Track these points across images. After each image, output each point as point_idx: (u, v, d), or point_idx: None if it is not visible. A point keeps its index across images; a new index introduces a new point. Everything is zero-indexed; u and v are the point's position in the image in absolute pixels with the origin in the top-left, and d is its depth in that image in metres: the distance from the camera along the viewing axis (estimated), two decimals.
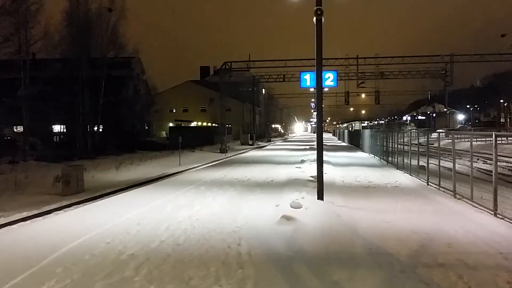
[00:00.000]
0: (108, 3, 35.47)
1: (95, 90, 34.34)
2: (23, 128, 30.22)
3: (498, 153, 11.77)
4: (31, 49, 30.11)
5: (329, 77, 14.67)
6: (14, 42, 27.82)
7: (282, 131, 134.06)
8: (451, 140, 15.39)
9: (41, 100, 30.67)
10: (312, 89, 14.28)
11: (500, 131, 55.87)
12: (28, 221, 11.47)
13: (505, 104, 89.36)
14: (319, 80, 13.09)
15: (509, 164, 23.68)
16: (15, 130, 34.58)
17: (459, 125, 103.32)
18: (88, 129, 34.75)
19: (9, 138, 32.08)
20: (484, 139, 35.20)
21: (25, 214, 12.16)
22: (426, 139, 19.53)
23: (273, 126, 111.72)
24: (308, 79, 14.61)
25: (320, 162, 13.12)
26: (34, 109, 29.31)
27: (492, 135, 11.41)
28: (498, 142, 11.73)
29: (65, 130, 37.45)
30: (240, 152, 43.89)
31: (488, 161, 22.41)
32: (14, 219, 11.47)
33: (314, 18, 12.70)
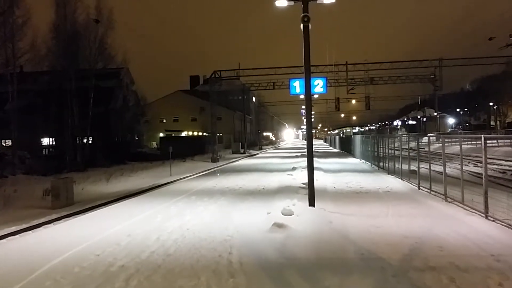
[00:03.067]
0: (95, 15, 35.43)
1: (84, 101, 34.16)
2: (12, 141, 29.99)
3: (490, 156, 11.80)
4: (19, 62, 29.98)
5: (318, 83, 14.70)
6: (1, 56, 27.70)
7: (274, 139, 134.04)
8: (441, 144, 15.44)
9: (29, 113, 30.52)
10: (302, 96, 14.27)
11: (490, 134, 56.23)
12: (17, 236, 11.31)
13: (495, 107, 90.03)
14: (307, 87, 13.11)
15: (500, 167, 23.80)
16: (3, 143, 34.30)
17: (449, 129, 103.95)
18: (78, 141, 34.54)
19: None
20: (475, 142, 35.36)
21: (14, 228, 11.99)
22: (416, 143, 19.56)
23: (264, 134, 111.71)
24: (297, 86, 14.62)
25: (310, 169, 13.12)
26: (23, 122, 29.10)
27: (481, 138, 11.42)
28: (489, 145, 11.76)
29: (54, 143, 37.19)
30: (231, 160, 43.80)
31: (479, 164, 22.47)
32: (2, 234, 11.31)
33: (301, 25, 12.75)
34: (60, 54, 33.34)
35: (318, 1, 13.13)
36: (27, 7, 29.05)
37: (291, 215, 11.34)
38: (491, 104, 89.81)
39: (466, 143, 29.25)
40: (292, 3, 13.17)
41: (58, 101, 33.02)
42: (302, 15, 12.68)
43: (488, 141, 11.50)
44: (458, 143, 13.92)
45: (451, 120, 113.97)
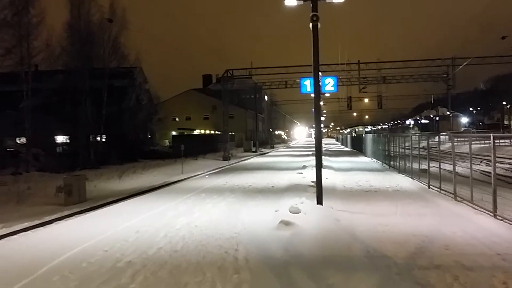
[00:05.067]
0: (109, 14, 35.68)
1: (97, 100, 34.43)
2: (26, 139, 30.34)
3: (503, 155, 11.73)
4: (33, 61, 30.25)
5: (329, 82, 14.75)
6: (16, 54, 27.98)
7: (286, 138, 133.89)
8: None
9: (44, 111, 30.81)
10: (312, 95, 14.29)
11: (504, 133, 55.68)
12: (29, 231, 11.48)
13: (508, 106, 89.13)
14: (316, 85, 13.15)
15: None
16: (18, 141, 34.73)
17: (463, 128, 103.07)
18: (91, 139, 34.83)
19: (12, 149, 32.22)
20: (487, 141, 35.06)
21: (26, 224, 12.17)
22: (427, 142, 19.49)
23: (276, 132, 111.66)
24: (308, 85, 14.65)
25: (319, 167, 13.15)
26: (37, 121, 29.41)
27: (490, 137, 11.37)
28: (502, 144, 11.71)
29: (68, 141, 37.54)
30: (243, 159, 43.91)
31: (490, 163, 22.29)
32: (15, 230, 11.49)
33: (310, 24, 12.78)
34: (74, 53, 33.62)
35: (327, 0, 13.15)
36: (42, 6, 29.41)
37: (298, 213, 11.38)
38: (504, 103, 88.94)
39: (478, 142, 28.94)
40: (301, 2, 13.16)
41: (72, 99, 33.30)
42: (311, 14, 12.70)
43: (501, 141, 11.46)
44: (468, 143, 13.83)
45: (464, 119, 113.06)
